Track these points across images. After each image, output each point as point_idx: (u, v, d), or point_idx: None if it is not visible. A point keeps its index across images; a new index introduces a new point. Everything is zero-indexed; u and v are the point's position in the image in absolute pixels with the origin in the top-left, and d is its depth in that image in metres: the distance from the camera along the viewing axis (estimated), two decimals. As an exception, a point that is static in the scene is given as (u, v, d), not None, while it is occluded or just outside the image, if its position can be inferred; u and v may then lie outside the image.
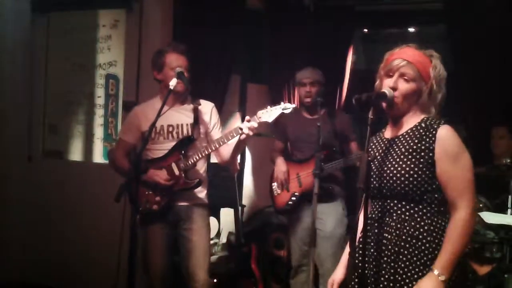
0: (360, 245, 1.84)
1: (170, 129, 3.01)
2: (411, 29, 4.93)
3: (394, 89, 1.89)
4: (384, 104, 1.91)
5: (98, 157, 4.46)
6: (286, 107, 2.71)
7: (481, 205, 3.28)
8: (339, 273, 2.07)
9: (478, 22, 3.90)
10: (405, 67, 1.89)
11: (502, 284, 3.00)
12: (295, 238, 3.54)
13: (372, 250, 1.94)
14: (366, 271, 1.91)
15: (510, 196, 3.17)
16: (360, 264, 1.85)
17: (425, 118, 1.92)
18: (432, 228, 1.85)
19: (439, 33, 4.52)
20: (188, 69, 2.97)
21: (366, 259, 1.90)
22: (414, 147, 1.87)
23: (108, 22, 4.37)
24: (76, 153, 4.57)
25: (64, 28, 4.51)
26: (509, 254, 3.11)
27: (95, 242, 4.13)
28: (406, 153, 1.88)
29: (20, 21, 4.41)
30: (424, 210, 1.87)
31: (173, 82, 2.78)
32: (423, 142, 1.86)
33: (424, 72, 1.90)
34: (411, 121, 1.94)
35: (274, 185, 3.58)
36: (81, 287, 4.03)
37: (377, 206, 1.96)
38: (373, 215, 1.97)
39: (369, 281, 1.92)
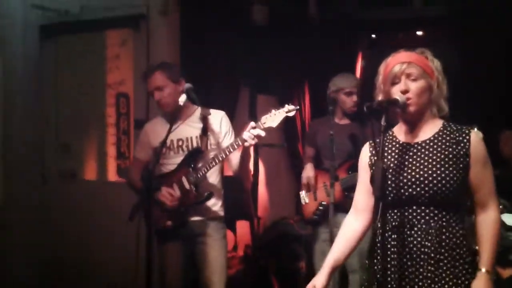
0: (379, 256, 1.82)
1: (180, 143, 2.99)
2: (419, 33, 4.92)
3: (406, 91, 1.88)
4: (398, 110, 1.90)
5: (112, 175, 4.48)
6: (289, 109, 2.65)
7: (501, 207, 3.23)
8: (320, 279, 2.00)
9: (483, 26, 3.90)
10: (409, 68, 1.89)
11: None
12: (319, 249, 3.42)
13: (403, 260, 1.88)
14: (390, 281, 1.88)
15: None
16: (380, 275, 1.83)
17: (445, 123, 1.93)
18: (464, 232, 1.87)
19: (445, 37, 4.51)
20: (171, 79, 2.94)
21: (390, 269, 1.88)
22: (453, 152, 1.87)
23: (116, 42, 4.41)
24: (90, 173, 4.61)
25: (73, 50, 4.57)
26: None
27: (111, 261, 4.12)
28: (445, 158, 1.87)
29: (29, 47, 4.46)
30: (458, 215, 1.88)
31: (182, 99, 2.78)
32: (459, 147, 1.87)
33: (426, 67, 1.91)
34: (430, 125, 1.93)
35: (302, 193, 3.51)
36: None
37: (399, 215, 1.91)
38: (394, 224, 1.91)
39: None
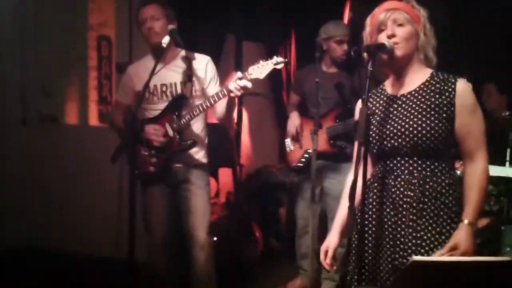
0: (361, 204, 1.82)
1: (164, 88, 2.94)
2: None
3: (392, 35, 1.86)
4: (385, 56, 1.87)
5: (94, 120, 4.43)
6: (278, 61, 2.61)
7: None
8: (333, 239, 2.02)
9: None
10: (395, 13, 1.88)
11: (499, 236, 3.04)
12: (303, 197, 3.50)
13: (386, 210, 1.90)
14: (367, 229, 1.91)
15: (508, 149, 3.18)
16: (361, 225, 1.85)
17: (434, 73, 1.91)
18: (451, 182, 1.87)
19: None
20: (164, 16, 2.86)
21: (374, 218, 1.91)
22: (436, 102, 1.86)
23: (98, -19, 4.26)
24: (71, 117, 4.54)
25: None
26: (507, 207, 3.15)
27: (94, 204, 4.14)
28: (427, 108, 1.86)
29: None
30: (443, 165, 1.88)
31: (165, 40, 2.68)
32: (443, 97, 1.85)
33: (412, 14, 1.90)
34: (419, 75, 1.92)
35: (287, 141, 3.52)
36: (82, 249, 4.06)
37: (383, 167, 1.93)
38: (379, 175, 1.93)
39: (373, 242, 1.91)
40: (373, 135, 1.92)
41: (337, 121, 3.30)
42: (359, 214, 1.88)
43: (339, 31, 3.37)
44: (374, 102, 2.00)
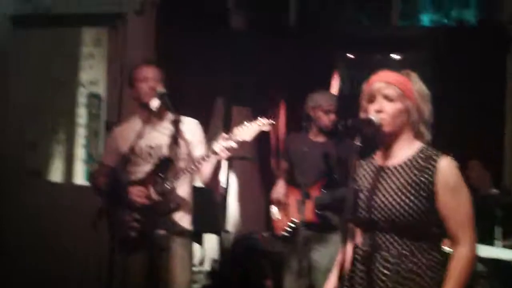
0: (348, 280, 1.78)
1: (149, 150, 2.88)
2: (395, 56, 4.91)
3: (379, 111, 1.84)
4: (371, 131, 1.84)
5: (79, 178, 4.34)
6: (263, 122, 2.59)
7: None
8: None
9: (460, 49, 3.93)
10: (386, 88, 1.85)
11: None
12: (290, 270, 3.36)
13: (362, 286, 1.85)
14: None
15: (495, 227, 3.13)
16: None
17: (423, 148, 1.87)
18: (432, 264, 1.80)
19: (422, 60, 4.51)
20: (160, 80, 2.86)
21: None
22: (415, 179, 1.81)
23: (91, 40, 4.30)
24: (56, 174, 4.45)
25: (46, 44, 4.42)
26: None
27: (73, 267, 3.99)
28: (407, 185, 1.81)
29: (1, 36, 4.31)
30: (424, 245, 1.80)
31: (154, 103, 2.67)
32: (424, 174, 1.80)
33: (406, 90, 1.86)
34: (407, 149, 1.88)
35: (273, 208, 3.46)
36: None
37: (369, 240, 1.88)
38: (364, 248, 1.89)
39: None
40: (361, 205, 1.88)
41: (323, 190, 3.25)
42: None
43: (326, 100, 3.36)
44: (364, 172, 1.97)
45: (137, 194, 2.78)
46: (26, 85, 4.47)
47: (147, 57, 2.95)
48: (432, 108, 1.90)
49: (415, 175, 1.81)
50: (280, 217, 3.42)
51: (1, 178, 4.36)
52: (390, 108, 1.83)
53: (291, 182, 3.47)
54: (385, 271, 1.80)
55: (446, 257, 1.84)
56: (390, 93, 1.83)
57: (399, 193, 1.80)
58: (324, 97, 3.41)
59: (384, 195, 1.83)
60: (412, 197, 1.78)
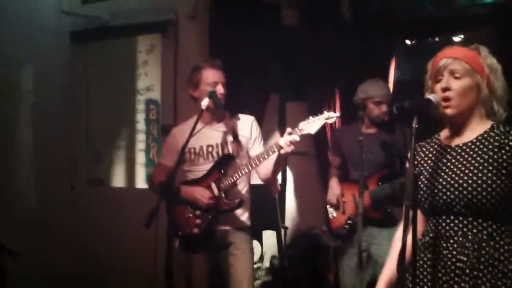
0: (411, 270, 1.66)
1: (210, 149, 2.91)
2: (456, 38, 4.71)
3: (446, 89, 1.72)
4: (431, 112, 1.73)
5: (141, 183, 4.45)
6: (329, 116, 2.54)
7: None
8: None
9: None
10: (453, 63, 1.72)
11: None
12: (348, 264, 3.26)
13: (438, 275, 1.72)
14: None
15: None
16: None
17: (495, 125, 1.74)
18: (511, 248, 1.67)
19: (485, 39, 4.29)
20: (225, 85, 2.89)
21: (426, 284, 1.73)
22: (494, 156, 1.68)
23: (144, 47, 4.42)
24: (118, 180, 4.59)
25: (103, 56, 4.60)
26: None
27: (134, 269, 4.08)
28: (484, 163, 1.69)
29: (60, 54, 4.51)
30: (503, 228, 1.68)
31: (204, 102, 2.72)
32: (503, 151, 1.68)
33: (475, 64, 1.72)
34: (478, 126, 1.75)
35: (329, 207, 3.37)
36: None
37: (436, 225, 1.76)
38: (431, 235, 1.76)
39: None
40: (424, 188, 1.76)
41: (380, 183, 3.13)
42: (410, 279, 1.71)
43: (378, 91, 3.22)
44: (427, 152, 1.85)
45: (201, 194, 2.79)
46: (87, 98, 4.64)
47: (216, 62, 2.93)
48: (507, 85, 1.76)
49: (493, 152, 1.69)
50: (336, 215, 3.35)
51: (67, 188, 4.54)
52: (457, 85, 1.71)
53: (345, 178, 3.38)
54: (464, 258, 1.67)
55: None
56: (458, 69, 1.71)
57: (476, 172, 1.68)
58: (376, 87, 3.25)
59: (456, 175, 1.71)
60: (492, 176, 1.66)
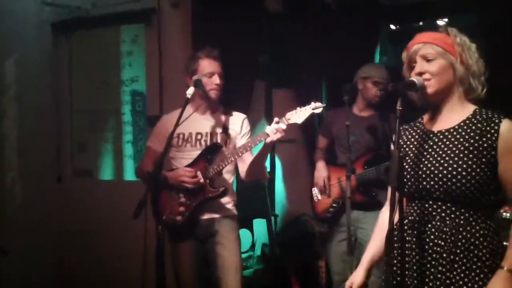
0: (399, 251, 1.70)
1: (199, 137, 2.92)
2: (441, 22, 4.69)
3: (420, 73, 1.75)
4: (417, 95, 1.77)
5: (129, 174, 4.42)
6: (316, 106, 2.55)
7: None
8: (358, 275, 1.89)
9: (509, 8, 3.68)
10: (423, 48, 1.77)
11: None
12: (335, 250, 3.31)
13: (416, 257, 1.76)
14: (407, 278, 1.75)
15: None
16: (399, 271, 1.72)
17: (478, 110, 1.76)
18: (487, 232, 1.70)
19: (470, 23, 4.28)
20: (221, 75, 2.91)
21: (407, 265, 1.76)
22: (475, 144, 1.70)
23: (128, 37, 4.35)
24: (106, 172, 4.55)
25: (86, 47, 4.53)
26: None
27: (124, 261, 4.06)
28: (465, 150, 1.71)
29: (42, 44, 4.43)
30: (479, 213, 1.71)
31: (189, 91, 2.72)
32: (484, 139, 1.69)
33: (445, 45, 1.76)
34: (459, 111, 1.78)
35: (314, 190, 3.39)
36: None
37: (417, 208, 1.79)
38: (412, 218, 1.79)
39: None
40: (407, 172, 1.78)
41: (365, 167, 3.15)
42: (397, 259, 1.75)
43: (378, 72, 3.30)
44: (410, 137, 1.88)
45: (184, 174, 2.78)
46: (71, 89, 4.58)
47: (213, 51, 2.92)
48: (483, 60, 1.78)
49: (474, 139, 1.70)
50: (320, 198, 3.36)
51: (53, 179, 4.50)
52: (431, 67, 1.74)
53: (332, 162, 3.40)
54: (441, 242, 1.71)
55: (499, 224, 1.75)
56: (429, 52, 1.75)
57: (457, 159, 1.70)
58: (377, 69, 3.36)
59: (437, 162, 1.73)
60: (472, 163, 1.68)
